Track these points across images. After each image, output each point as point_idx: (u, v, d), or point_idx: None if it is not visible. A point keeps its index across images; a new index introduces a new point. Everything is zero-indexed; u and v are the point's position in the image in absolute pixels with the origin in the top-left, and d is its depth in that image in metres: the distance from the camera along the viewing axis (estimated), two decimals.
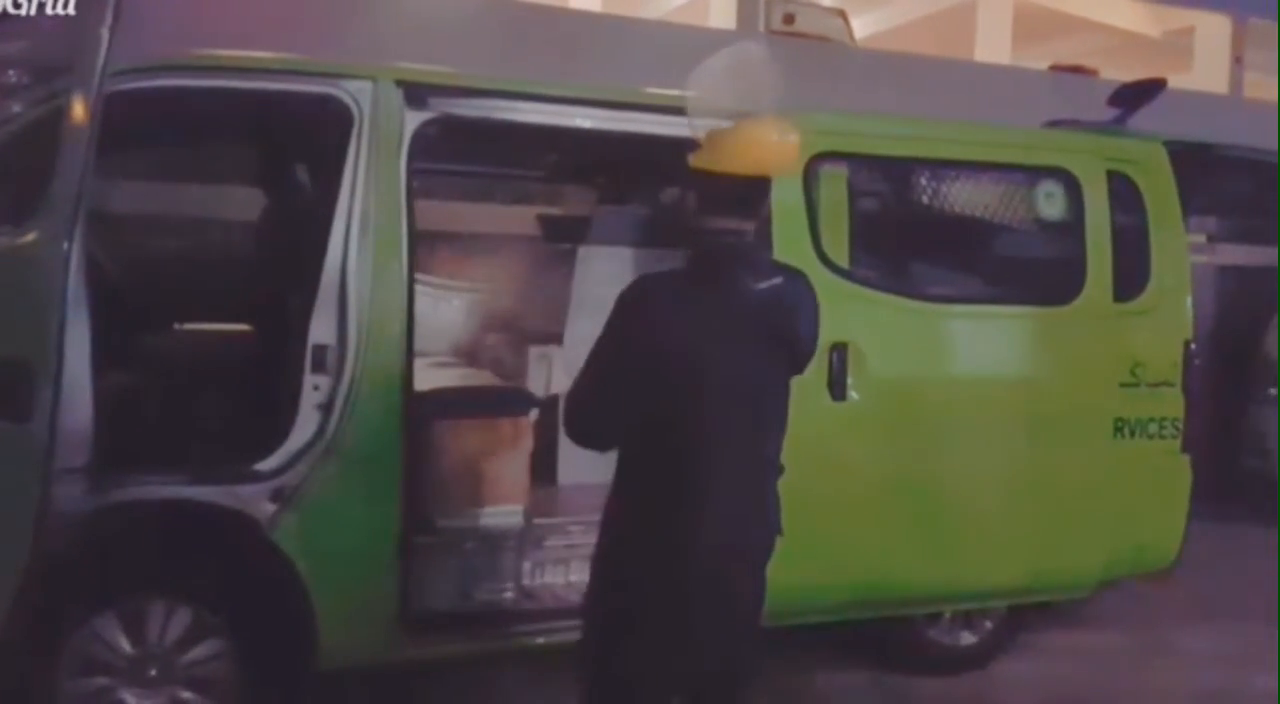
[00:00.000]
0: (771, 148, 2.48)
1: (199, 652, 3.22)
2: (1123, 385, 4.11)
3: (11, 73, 2.56)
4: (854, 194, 3.87)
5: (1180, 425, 4.22)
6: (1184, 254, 4.30)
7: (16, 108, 2.52)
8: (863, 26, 14.07)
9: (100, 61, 2.32)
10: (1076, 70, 13.76)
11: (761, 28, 12.23)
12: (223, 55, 3.33)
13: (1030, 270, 4.22)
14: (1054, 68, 13.89)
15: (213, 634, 3.22)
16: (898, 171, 3.96)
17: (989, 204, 4.16)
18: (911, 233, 4.00)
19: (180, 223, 4.08)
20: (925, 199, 4.03)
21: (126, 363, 3.19)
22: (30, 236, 2.37)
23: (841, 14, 13.58)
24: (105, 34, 2.32)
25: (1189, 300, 4.28)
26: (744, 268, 2.49)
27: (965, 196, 4.11)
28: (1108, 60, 14.88)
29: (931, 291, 3.95)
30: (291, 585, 3.21)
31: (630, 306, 2.48)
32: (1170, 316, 4.22)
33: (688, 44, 10.42)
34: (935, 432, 3.87)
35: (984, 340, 4.00)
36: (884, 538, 3.80)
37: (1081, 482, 4.05)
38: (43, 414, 2.33)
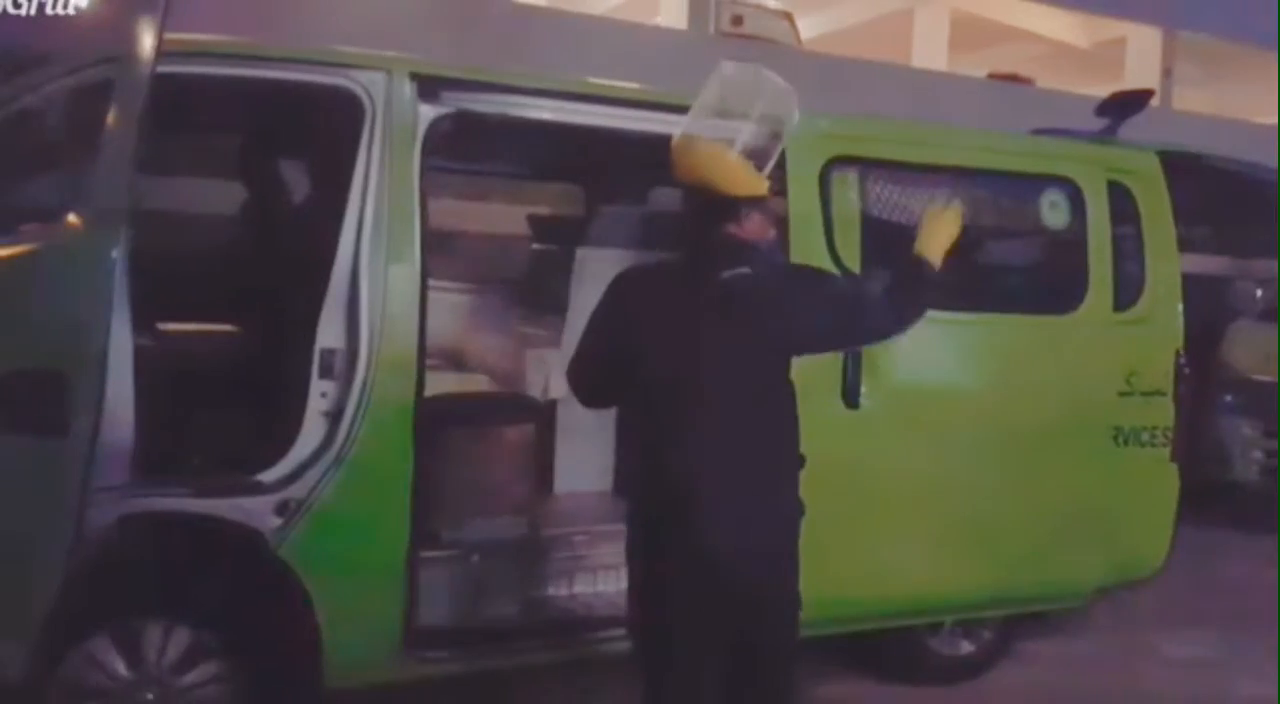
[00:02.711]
0: (681, 159, 2.68)
1: (198, 674, 3.04)
2: (1120, 394, 4.14)
3: (51, 62, 2.36)
4: (866, 199, 3.82)
5: (1170, 434, 4.27)
6: (1176, 263, 4.35)
7: (57, 98, 2.32)
8: (804, 29, 14.15)
9: (150, 51, 2.14)
10: (1013, 79, 14.08)
11: (711, 29, 12.25)
12: (224, 41, 3.14)
13: (1035, 279, 4.24)
14: (991, 76, 14.18)
15: (213, 655, 3.05)
16: (910, 177, 3.91)
17: (996, 212, 4.15)
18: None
19: (175, 218, 3.85)
20: (935, 205, 3.99)
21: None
22: (69, 237, 2.18)
23: (788, 17, 13.67)
24: (156, 22, 2.14)
25: (1180, 309, 4.33)
26: (713, 259, 2.69)
27: (973, 204, 4.08)
28: (1041, 69, 15.22)
29: (940, 299, 3.91)
30: (297, 602, 3.05)
31: (609, 290, 2.81)
32: (1163, 326, 4.27)
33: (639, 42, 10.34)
34: (945, 440, 3.84)
35: (992, 348, 3.98)
36: (892, 548, 3.77)
37: (1083, 490, 4.07)
38: (81, 429, 2.14)
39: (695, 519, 2.60)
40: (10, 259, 2.32)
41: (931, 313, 3.83)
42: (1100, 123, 4.57)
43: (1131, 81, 14.14)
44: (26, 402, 2.21)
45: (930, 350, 3.89)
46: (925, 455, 3.81)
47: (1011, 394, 3.97)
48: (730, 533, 2.62)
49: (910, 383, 3.79)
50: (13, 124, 2.44)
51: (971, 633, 4.25)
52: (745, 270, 2.68)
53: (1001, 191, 4.13)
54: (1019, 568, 3.98)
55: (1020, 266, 4.27)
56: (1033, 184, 4.11)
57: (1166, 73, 14.34)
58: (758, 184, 2.70)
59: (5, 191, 2.47)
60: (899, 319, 2.86)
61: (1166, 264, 4.31)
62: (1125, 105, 4.62)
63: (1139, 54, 14.71)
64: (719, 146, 2.64)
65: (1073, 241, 4.12)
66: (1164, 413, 4.24)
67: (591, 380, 2.84)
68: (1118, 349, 4.16)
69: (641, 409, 2.74)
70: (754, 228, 2.72)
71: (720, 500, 2.61)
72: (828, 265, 3.63)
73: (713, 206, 2.68)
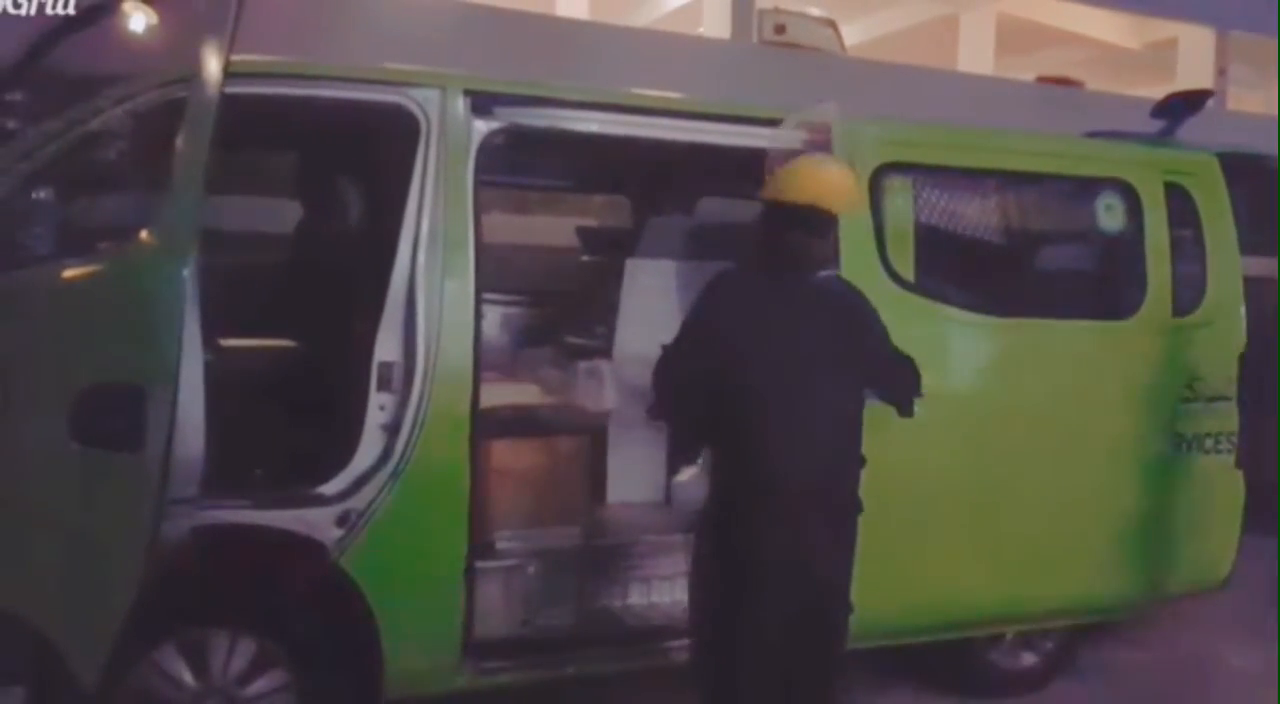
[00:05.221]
0: (811, 181, 2.92)
1: (262, 684, 3.08)
2: (1182, 400, 4.07)
3: (122, 83, 2.43)
4: (919, 206, 3.78)
5: (1234, 440, 4.19)
6: (1237, 266, 4.26)
7: (129, 118, 2.39)
8: (848, 36, 14.10)
9: (219, 72, 2.20)
10: (1062, 82, 13.90)
11: (754, 38, 12.25)
12: (282, 61, 3.19)
13: (1091, 283, 4.16)
14: (1040, 79, 14.01)
15: (276, 665, 3.09)
16: (963, 183, 3.86)
17: (1051, 216, 4.09)
18: (975, 245, 3.90)
19: (237, 236, 3.92)
20: (988, 211, 3.93)
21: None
22: (143, 252, 2.25)
23: (831, 24, 13.61)
24: (224, 44, 2.20)
25: (1243, 313, 4.25)
26: (802, 268, 2.94)
27: (1027, 208, 4.03)
28: (1090, 72, 15.04)
29: (996, 305, 3.85)
30: (358, 613, 3.09)
31: (704, 296, 2.99)
32: (1225, 330, 4.19)
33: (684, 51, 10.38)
34: (1000, 448, 3.79)
35: (1048, 355, 3.91)
36: (951, 557, 3.72)
37: (1143, 498, 4.00)
38: (157, 443, 2.19)
39: (799, 512, 2.78)
40: (87, 277, 2.40)
41: (986, 318, 3.82)
42: (1156, 125, 4.50)
43: (1183, 83, 13.92)
44: (106, 415, 2.27)
45: (985, 356, 3.85)
46: (981, 464, 3.76)
47: (1068, 401, 3.89)
48: (825, 527, 2.83)
49: (965, 390, 3.74)
50: (87, 144, 2.52)
51: (1033, 644, 4.18)
52: (835, 272, 3.04)
53: (1056, 195, 4.08)
54: (1079, 578, 3.92)
55: (1076, 271, 4.19)
56: (1088, 187, 4.05)
57: (1221, 73, 14.10)
58: (856, 203, 3.05)
59: (81, 211, 2.55)
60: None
61: (1228, 267, 4.23)
62: (1183, 106, 4.53)
63: (1191, 55, 14.48)
64: (842, 168, 2.98)
65: (1130, 245, 4.05)
66: (1227, 419, 4.17)
67: (681, 380, 2.97)
68: (1179, 354, 4.08)
69: (738, 409, 2.85)
70: (833, 241, 3.08)
71: (819, 493, 2.81)
72: (880, 275, 3.61)
73: (817, 222, 2.91)
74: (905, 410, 3.15)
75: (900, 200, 3.75)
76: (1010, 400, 3.84)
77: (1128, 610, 4.20)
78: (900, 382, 3.11)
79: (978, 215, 3.92)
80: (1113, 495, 3.97)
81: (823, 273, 3.01)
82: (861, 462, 2.97)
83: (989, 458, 3.79)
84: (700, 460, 3.00)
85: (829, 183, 2.93)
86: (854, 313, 2.99)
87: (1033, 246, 4.13)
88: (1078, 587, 3.94)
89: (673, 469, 3.01)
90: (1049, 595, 3.92)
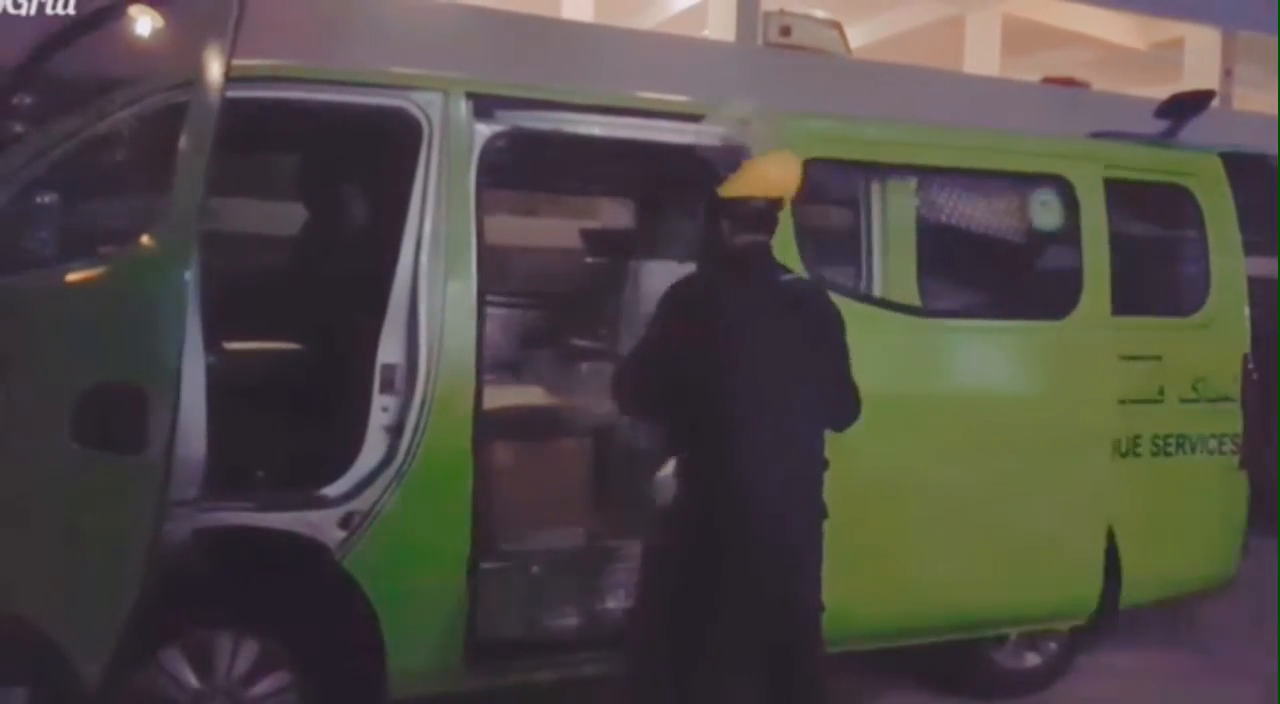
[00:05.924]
0: (782, 174, 3.02)
1: (266, 685, 3.09)
2: (1183, 401, 4.07)
3: (125, 87, 2.45)
4: (850, 202, 3.74)
5: (1239, 441, 4.19)
6: (1241, 266, 4.26)
7: (131, 123, 2.41)
8: (853, 38, 14.10)
9: (221, 76, 2.22)
10: (1069, 83, 13.87)
11: (759, 40, 12.25)
12: (284, 65, 3.20)
13: (1025, 282, 4.11)
14: (1046, 80, 13.99)
15: (280, 666, 3.10)
16: (895, 178, 3.78)
17: (983, 212, 3.96)
18: (906, 243, 3.80)
19: (241, 239, 3.95)
20: (922, 208, 3.83)
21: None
22: (145, 255, 2.27)
23: (836, 26, 13.60)
24: (226, 48, 2.22)
25: (1246, 313, 4.25)
26: (769, 266, 2.98)
27: (958, 205, 3.90)
28: (1097, 73, 15.00)
29: (926, 305, 3.80)
30: (362, 614, 3.10)
31: (669, 300, 2.95)
32: (1229, 330, 4.19)
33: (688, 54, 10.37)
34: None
35: (976, 355, 3.89)
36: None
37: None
38: (158, 444, 2.21)
39: (770, 517, 2.75)
40: (89, 279, 2.43)
41: (915, 319, 3.74)
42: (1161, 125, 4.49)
43: (1190, 83, 13.88)
44: (108, 417, 2.29)
45: (914, 356, 3.77)
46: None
47: (999, 401, 3.84)
48: (793, 532, 2.81)
49: (895, 391, 3.59)
50: (90, 148, 2.54)
51: (1036, 645, 4.17)
52: (794, 276, 3.02)
53: (988, 191, 3.97)
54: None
55: (1011, 269, 4.08)
56: (1022, 183, 3.97)
57: (1227, 73, 14.06)
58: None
59: (84, 214, 2.57)
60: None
61: (1231, 267, 4.23)
62: (1186, 107, 4.53)
63: (1197, 55, 14.44)
64: (796, 160, 3.00)
65: (1065, 243, 3.97)
66: (1231, 420, 4.16)
67: (646, 387, 2.95)
68: (1180, 355, 4.06)
69: (712, 412, 2.81)
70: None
71: (788, 499, 2.80)
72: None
73: (773, 214, 2.97)
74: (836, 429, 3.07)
75: (829, 196, 3.73)
76: (940, 401, 3.75)
77: (1128, 608, 4.15)
78: (844, 402, 3.02)
79: (909, 212, 3.80)
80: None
81: (785, 275, 3.00)
82: (825, 464, 2.93)
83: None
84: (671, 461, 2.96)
85: (790, 174, 3.01)
86: (825, 318, 2.97)
87: (963, 244, 3.96)
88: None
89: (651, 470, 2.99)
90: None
